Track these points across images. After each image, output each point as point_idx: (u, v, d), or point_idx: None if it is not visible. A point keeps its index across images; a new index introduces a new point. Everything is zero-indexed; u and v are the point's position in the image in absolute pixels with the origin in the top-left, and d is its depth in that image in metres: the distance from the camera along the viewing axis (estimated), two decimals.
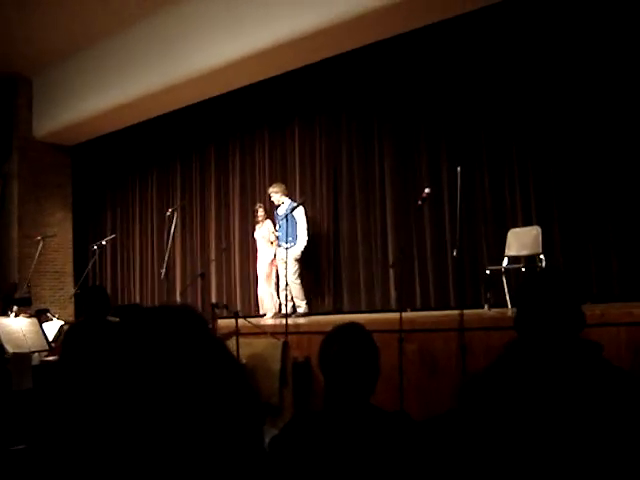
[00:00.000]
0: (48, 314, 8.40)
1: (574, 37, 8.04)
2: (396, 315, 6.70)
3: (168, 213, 9.21)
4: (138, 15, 10.50)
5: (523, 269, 7.77)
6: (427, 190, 6.83)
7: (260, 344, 7.34)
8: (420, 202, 6.79)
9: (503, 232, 8.27)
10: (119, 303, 13.06)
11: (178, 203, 11.50)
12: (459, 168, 6.39)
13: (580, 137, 8.00)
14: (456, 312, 6.29)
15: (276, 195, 9.84)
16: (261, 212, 10.34)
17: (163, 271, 8.75)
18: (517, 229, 8.18)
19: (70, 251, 13.73)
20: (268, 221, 10.25)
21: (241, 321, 7.36)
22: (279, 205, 9.89)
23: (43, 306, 10.51)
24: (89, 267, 11.00)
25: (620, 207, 7.68)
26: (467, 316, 6.25)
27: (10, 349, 6.48)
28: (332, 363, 2.54)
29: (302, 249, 9.53)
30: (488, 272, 7.95)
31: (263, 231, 10.24)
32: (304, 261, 9.91)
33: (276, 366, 7.00)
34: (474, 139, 8.94)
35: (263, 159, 11.53)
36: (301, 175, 10.95)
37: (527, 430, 2.18)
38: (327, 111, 10.63)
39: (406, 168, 9.66)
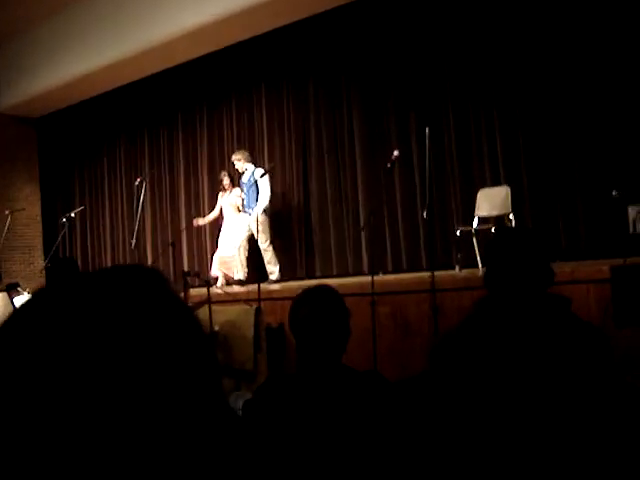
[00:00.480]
0: (18, 288, 8.32)
1: None
2: (368, 278, 6.73)
3: (137, 183, 9.14)
4: None
5: (493, 229, 7.80)
6: (396, 152, 6.84)
7: (233, 311, 7.35)
8: (389, 165, 6.79)
9: (472, 192, 8.29)
10: None
11: (146, 172, 11.40)
12: (427, 129, 6.39)
13: (547, 94, 8.01)
14: (427, 274, 6.33)
15: (239, 162, 9.75)
16: (226, 180, 10.26)
17: (133, 241, 8.71)
18: (487, 189, 8.20)
19: (39, 225, 13.62)
20: (236, 189, 10.17)
21: (213, 289, 7.36)
22: (243, 172, 9.81)
23: (13, 281, 10.42)
24: (59, 240, 10.91)
25: (588, 164, 7.72)
26: (438, 277, 6.29)
27: None
28: (302, 325, 2.55)
29: (263, 208, 9.41)
30: (458, 233, 7.99)
31: (231, 198, 10.16)
32: (275, 227, 9.89)
33: (249, 332, 7.01)
34: (441, 100, 8.93)
35: (231, 126, 11.45)
36: (269, 141, 10.89)
37: (498, 386, 2.20)
38: (294, 76, 10.56)
39: (375, 131, 9.63)
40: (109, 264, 13.05)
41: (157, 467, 0.67)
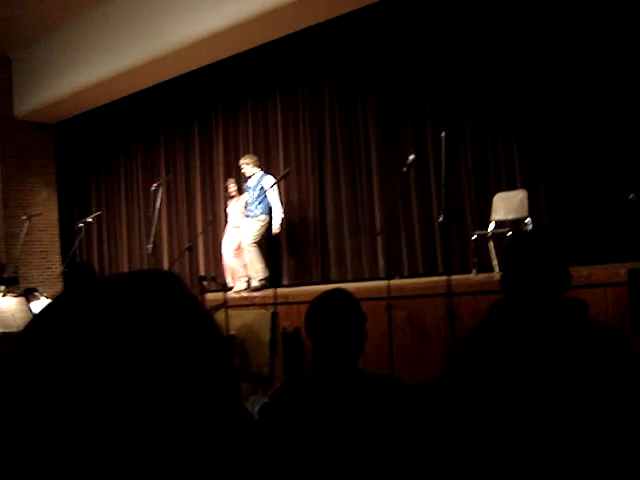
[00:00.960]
0: (36, 293, 8.35)
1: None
2: (384, 283, 6.72)
3: (153, 188, 9.17)
4: None
5: (510, 233, 7.77)
6: (412, 157, 6.82)
7: (249, 315, 7.37)
8: (405, 169, 6.78)
9: (488, 196, 8.27)
10: None
11: (163, 177, 11.42)
12: (443, 133, 6.37)
13: (563, 98, 7.99)
14: (444, 278, 6.31)
15: (247, 167, 9.71)
16: (233, 187, 10.23)
17: (150, 246, 8.72)
18: (503, 193, 8.17)
19: (56, 230, 13.69)
20: (243, 195, 10.14)
21: (230, 293, 7.38)
22: (250, 177, 9.77)
23: (31, 285, 10.48)
24: (76, 245, 10.96)
25: (604, 167, 7.68)
26: (455, 281, 6.28)
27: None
28: (319, 329, 2.55)
29: (279, 221, 9.41)
30: (475, 237, 7.97)
31: (239, 205, 10.13)
32: (290, 232, 9.90)
33: (266, 337, 7.02)
34: (457, 104, 8.91)
35: (246, 131, 11.46)
36: (285, 146, 10.90)
37: (514, 390, 2.19)
38: (309, 80, 10.56)
39: (390, 135, 9.63)
40: (126, 269, 13.11)
41: (173, 470, 0.67)
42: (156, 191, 8.90)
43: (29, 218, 10.79)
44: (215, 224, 11.46)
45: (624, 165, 7.49)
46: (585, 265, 7.16)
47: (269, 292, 8.12)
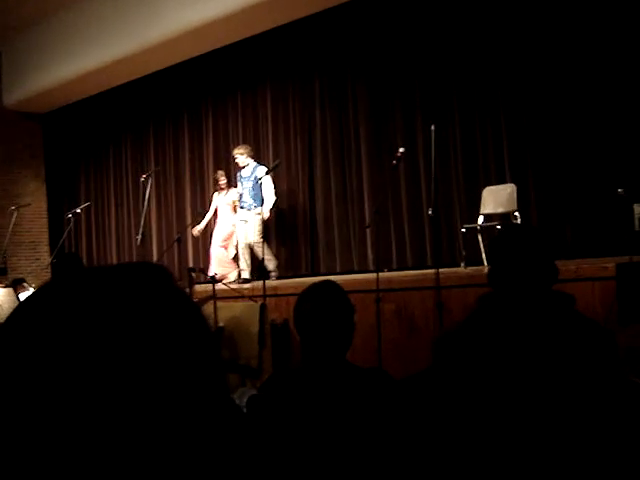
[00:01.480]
0: (24, 284, 8.34)
1: None
2: (373, 275, 6.73)
3: (142, 179, 9.14)
4: None
5: (498, 227, 7.79)
6: (401, 149, 6.83)
7: (238, 307, 7.36)
8: (395, 162, 6.78)
9: (478, 190, 8.28)
10: None
11: (152, 169, 11.38)
12: (433, 127, 6.38)
13: (552, 92, 8.00)
14: (433, 271, 6.33)
15: (241, 157, 9.66)
16: (223, 180, 10.19)
17: (139, 237, 8.71)
18: (492, 187, 8.19)
19: (45, 221, 13.64)
20: (233, 189, 10.12)
21: (219, 285, 7.37)
22: (244, 167, 9.73)
23: (19, 276, 10.44)
24: (65, 236, 10.91)
25: (593, 162, 7.70)
26: (443, 274, 6.30)
27: None
28: (307, 321, 2.55)
29: (269, 208, 9.44)
30: (464, 230, 7.98)
31: (227, 198, 10.09)
32: (280, 224, 9.90)
33: (254, 329, 7.02)
34: (447, 97, 8.92)
35: (236, 122, 11.44)
36: (275, 138, 10.88)
37: (501, 383, 2.20)
38: (299, 73, 10.54)
39: (380, 128, 9.62)
40: (114, 260, 13.09)
41: (160, 463, 0.67)
42: (145, 182, 8.87)
43: (17, 209, 10.75)
44: (204, 215, 11.44)
45: (613, 160, 7.51)
46: (573, 259, 7.18)
47: (258, 284, 8.10)
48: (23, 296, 7.27)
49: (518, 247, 2.42)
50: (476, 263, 7.72)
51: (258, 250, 9.42)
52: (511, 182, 8.06)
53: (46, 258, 13.18)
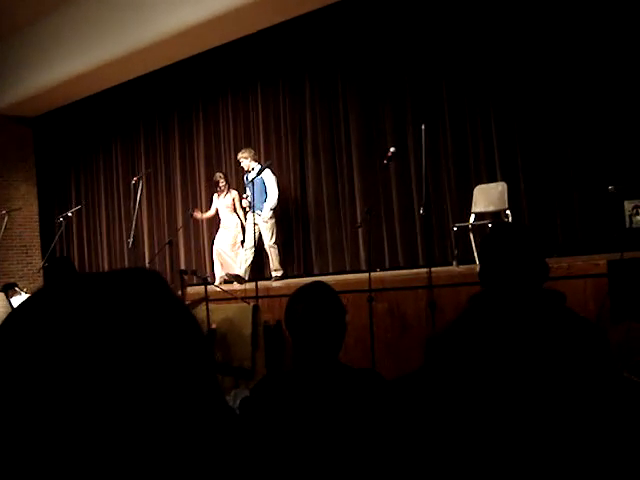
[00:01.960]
0: (16, 288, 8.31)
1: None
2: (365, 275, 6.73)
3: (133, 182, 9.13)
4: None
5: (490, 225, 7.80)
6: (392, 149, 6.84)
7: (230, 309, 7.36)
8: (386, 161, 6.79)
9: (469, 189, 8.29)
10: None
11: (143, 171, 11.36)
12: (423, 126, 6.39)
13: (542, 90, 8.01)
14: (425, 270, 6.34)
15: (245, 161, 9.67)
16: (222, 182, 10.19)
17: (130, 240, 8.69)
18: (483, 185, 8.20)
19: (36, 224, 13.61)
20: (233, 191, 10.13)
21: (211, 287, 7.36)
22: (249, 171, 9.71)
23: (11, 281, 10.41)
24: (56, 240, 10.90)
25: (584, 159, 7.72)
26: (435, 273, 6.30)
27: None
28: (298, 322, 2.55)
29: (271, 207, 9.44)
30: (455, 229, 8.00)
31: (227, 200, 10.11)
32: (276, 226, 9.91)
33: (247, 330, 7.01)
34: (437, 96, 8.93)
35: (227, 125, 11.43)
36: (266, 139, 10.88)
37: (493, 382, 2.20)
38: (290, 73, 10.54)
39: (371, 128, 9.63)
40: (105, 263, 13.08)
41: (153, 464, 0.67)
42: (136, 185, 8.86)
43: (8, 213, 10.73)
44: (196, 218, 11.45)
45: (603, 157, 7.53)
46: (565, 256, 7.20)
47: (250, 285, 8.10)
48: (15, 300, 7.25)
49: (508, 245, 2.42)
50: (468, 262, 7.74)
51: (271, 253, 9.46)
52: (502, 180, 8.08)
53: (38, 262, 13.16)
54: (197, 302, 6.99)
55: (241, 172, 10.08)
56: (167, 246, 8.85)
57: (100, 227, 13.46)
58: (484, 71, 8.47)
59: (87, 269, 13.43)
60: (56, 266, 6.15)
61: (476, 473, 2.19)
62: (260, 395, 2.59)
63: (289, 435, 2.39)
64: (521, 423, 2.15)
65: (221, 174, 10.32)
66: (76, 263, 12.93)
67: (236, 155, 10.06)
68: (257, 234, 9.41)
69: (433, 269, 6.21)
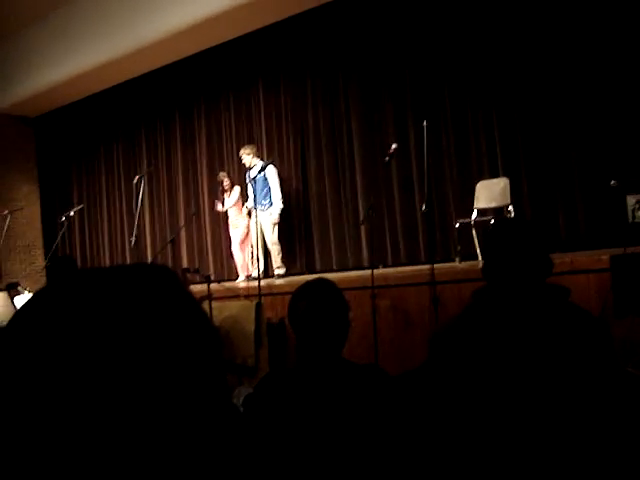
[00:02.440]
0: (19, 288, 8.33)
1: None
2: (368, 272, 6.73)
3: (135, 181, 9.13)
4: None
5: (492, 221, 7.79)
6: (394, 146, 6.83)
7: (233, 306, 7.36)
8: (387, 158, 6.78)
9: (471, 185, 8.29)
10: None
11: (145, 170, 11.35)
12: (425, 122, 6.38)
13: (543, 85, 8.01)
14: (427, 266, 6.33)
15: (248, 157, 9.68)
16: (227, 181, 10.21)
17: (133, 239, 8.68)
18: (485, 181, 8.19)
19: (39, 224, 13.61)
20: (236, 187, 10.14)
21: (214, 285, 7.36)
22: (251, 167, 9.73)
23: (14, 280, 10.42)
24: (58, 239, 10.90)
25: (586, 154, 7.72)
26: (438, 270, 6.30)
27: None
28: (301, 319, 2.55)
29: (279, 212, 9.46)
30: (458, 225, 7.99)
31: (233, 197, 10.12)
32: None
33: (250, 327, 7.01)
34: (439, 93, 8.92)
35: (229, 122, 11.43)
36: (268, 137, 10.88)
37: (497, 377, 2.20)
38: (291, 71, 10.54)
39: (372, 125, 9.63)
40: (107, 262, 13.09)
41: (160, 462, 0.67)
42: (138, 184, 8.85)
43: (10, 213, 10.73)
44: (199, 216, 11.45)
45: (605, 152, 7.52)
46: (568, 252, 7.19)
47: (253, 283, 8.11)
48: (18, 300, 7.26)
49: (511, 241, 2.41)
50: (470, 258, 7.73)
51: (273, 252, 9.47)
52: (504, 176, 8.07)
53: (41, 261, 13.16)
54: (200, 300, 6.99)
55: (243, 169, 10.06)
56: (169, 245, 8.86)
57: (102, 226, 13.46)
58: (485, 66, 8.46)
59: (89, 268, 13.39)
60: (58, 265, 6.15)
61: (481, 468, 2.18)
62: (263, 392, 2.59)
63: (293, 432, 2.39)
64: (525, 418, 2.15)
65: (224, 173, 10.33)
66: (78, 262, 12.94)
67: (238, 153, 10.06)
68: (260, 231, 9.42)
69: (436, 265, 6.21)
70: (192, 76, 11.46)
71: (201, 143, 11.80)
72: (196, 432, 0.70)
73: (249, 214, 9.99)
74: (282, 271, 9.53)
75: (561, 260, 5.79)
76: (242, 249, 10.04)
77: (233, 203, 10.09)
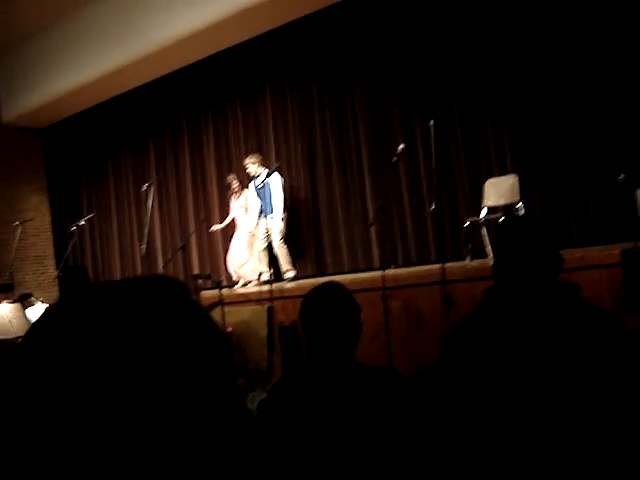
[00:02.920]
0: (31, 298, 8.36)
1: None
2: (379, 273, 6.74)
3: (144, 188, 9.15)
4: None
5: (502, 219, 7.77)
6: (401, 146, 6.84)
7: (245, 311, 7.37)
8: (395, 158, 6.79)
9: (480, 183, 8.27)
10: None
11: (153, 178, 11.38)
12: (432, 122, 6.38)
13: (550, 81, 7.99)
14: (438, 266, 6.33)
15: (253, 166, 9.62)
16: (235, 183, 10.18)
17: (144, 247, 8.71)
18: (494, 179, 8.17)
19: (50, 234, 13.67)
20: (245, 190, 10.12)
21: (225, 290, 7.38)
22: (256, 176, 9.70)
23: (26, 291, 10.46)
24: (69, 249, 10.93)
25: (594, 149, 7.70)
26: (449, 269, 6.30)
27: None
28: (313, 323, 2.55)
29: (280, 220, 9.43)
30: (467, 224, 7.97)
31: (240, 201, 10.11)
32: (286, 227, 9.90)
33: (263, 332, 7.03)
34: (446, 92, 8.91)
35: (237, 128, 11.44)
36: (276, 142, 10.88)
37: (509, 375, 2.20)
38: (297, 75, 10.55)
39: (379, 126, 9.63)
40: (118, 270, 13.12)
41: (176, 469, 0.68)
42: (147, 191, 8.88)
43: (21, 224, 10.77)
44: (209, 222, 11.46)
45: (614, 146, 7.50)
46: (579, 247, 7.18)
47: (265, 287, 8.12)
48: (31, 311, 7.29)
49: (521, 238, 2.41)
50: (481, 256, 7.72)
51: (280, 255, 9.47)
52: (513, 173, 8.05)
53: (52, 272, 13.20)
54: (212, 306, 7.01)
55: (249, 177, 10.03)
56: (180, 251, 8.87)
57: (112, 235, 13.49)
58: (491, 64, 8.45)
59: (101, 277, 13.47)
60: (70, 275, 6.19)
61: (494, 468, 2.18)
62: (277, 397, 2.60)
63: (307, 436, 2.39)
64: (539, 416, 2.14)
65: (233, 175, 10.31)
66: (90, 271, 13.00)
67: (246, 156, 10.05)
68: (269, 237, 9.43)
69: (446, 265, 6.21)
70: (199, 83, 11.48)
71: (209, 149, 11.82)
72: (210, 438, 0.71)
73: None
74: (292, 274, 9.51)
75: (572, 256, 5.78)
76: (250, 252, 9.96)
77: (240, 206, 10.06)
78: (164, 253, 12.41)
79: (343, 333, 2.53)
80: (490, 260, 7.33)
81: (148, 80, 11.22)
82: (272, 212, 9.40)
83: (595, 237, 7.58)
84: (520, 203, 7.70)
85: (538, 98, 8.08)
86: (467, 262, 7.82)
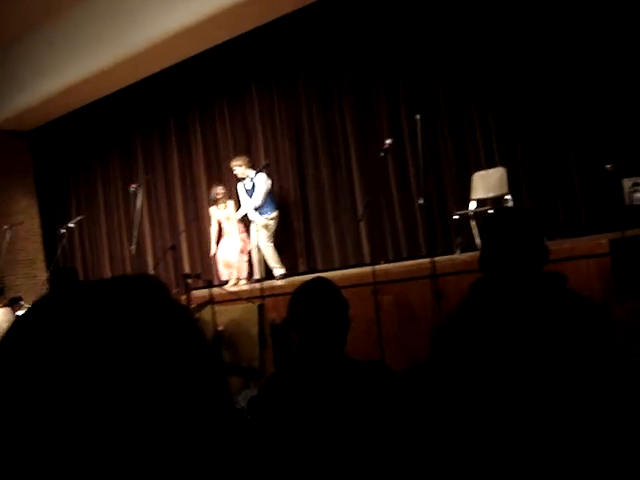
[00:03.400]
0: (21, 302, 8.33)
1: None
2: (370, 268, 6.75)
3: (132, 189, 9.11)
4: None
5: (491, 211, 7.78)
6: (388, 141, 6.84)
7: (236, 310, 7.36)
8: (383, 153, 6.79)
9: (468, 176, 8.28)
10: None
11: (142, 178, 11.34)
12: (418, 116, 6.39)
13: (536, 73, 8.00)
14: (428, 260, 6.34)
15: (240, 168, 9.56)
16: (222, 193, 9.95)
17: (133, 247, 8.69)
18: (482, 172, 8.18)
19: (39, 237, 13.61)
20: (231, 201, 9.99)
21: (216, 289, 7.37)
22: (243, 178, 9.66)
23: (16, 295, 10.42)
24: (59, 251, 10.90)
25: (580, 140, 7.72)
26: (439, 262, 6.32)
27: None
28: (302, 319, 2.56)
29: (263, 218, 9.42)
30: (456, 217, 7.98)
31: (228, 211, 9.93)
32: (277, 226, 9.90)
33: (254, 330, 7.02)
34: (432, 85, 8.91)
35: (224, 127, 11.41)
36: (264, 140, 10.86)
37: (498, 367, 2.20)
38: (283, 72, 10.53)
39: (367, 121, 9.62)
40: (108, 271, 13.07)
41: (163, 469, 0.68)
42: (135, 192, 8.85)
43: (10, 227, 10.74)
44: (198, 221, 11.44)
45: (599, 137, 7.52)
46: (567, 238, 7.20)
47: (256, 285, 8.12)
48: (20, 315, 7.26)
49: (505, 230, 2.42)
50: (471, 249, 7.73)
51: (266, 254, 9.44)
52: (501, 165, 8.06)
53: (43, 275, 13.15)
54: (203, 305, 7.00)
55: (235, 180, 9.99)
56: (170, 251, 8.86)
57: (102, 236, 13.44)
58: (477, 57, 8.45)
59: (91, 278, 13.39)
60: (60, 277, 6.17)
61: (486, 463, 2.19)
62: (267, 393, 2.60)
63: (298, 432, 2.40)
64: (529, 408, 2.15)
65: (221, 186, 10.04)
66: (80, 273, 12.94)
67: (234, 156, 10.02)
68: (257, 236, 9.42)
69: (437, 258, 6.23)
70: (185, 83, 11.44)
71: (197, 148, 11.79)
72: (199, 437, 0.71)
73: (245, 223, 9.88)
74: (282, 271, 9.50)
75: (561, 246, 5.80)
76: (242, 256, 9.87)
77: (226, 216, 9.93)
78: (154, 253, 12.38)
79: (332, 328, 2.54)
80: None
81: (134, 81, 11.18)
82: (265, 213, 9.38)
83: (584, 227, 7.60)
84: (508, 195, 7.71)
85: (524, 90, 8.09)
86: (457, 255, 7.84)
